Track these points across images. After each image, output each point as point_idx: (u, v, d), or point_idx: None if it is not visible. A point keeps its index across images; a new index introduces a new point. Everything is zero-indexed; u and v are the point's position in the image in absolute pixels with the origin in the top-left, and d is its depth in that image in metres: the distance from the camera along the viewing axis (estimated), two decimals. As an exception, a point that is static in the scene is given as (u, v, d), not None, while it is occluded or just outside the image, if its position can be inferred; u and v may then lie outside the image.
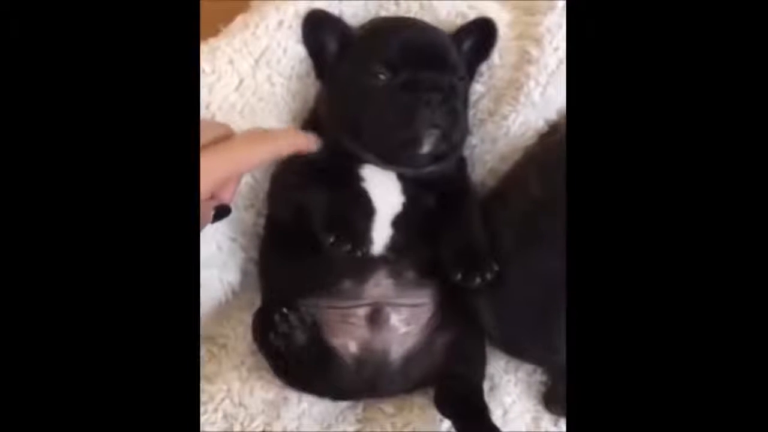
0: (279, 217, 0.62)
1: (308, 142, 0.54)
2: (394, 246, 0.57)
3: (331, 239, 0.52)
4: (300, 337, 0.56)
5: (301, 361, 0.57)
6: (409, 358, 0.58)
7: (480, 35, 0.62)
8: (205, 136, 0.47)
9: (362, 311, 0.57)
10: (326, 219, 0.54)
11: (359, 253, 0.52)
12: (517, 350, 0.60)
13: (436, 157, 0.57)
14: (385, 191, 0.58)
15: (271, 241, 0.63)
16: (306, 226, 0.55)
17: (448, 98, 0.55)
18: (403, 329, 0.58)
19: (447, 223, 0.58)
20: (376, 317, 0.57)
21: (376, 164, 0.58)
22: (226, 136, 0.50)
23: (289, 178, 0.60)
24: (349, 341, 0.58)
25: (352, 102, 0.57)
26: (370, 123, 0.56)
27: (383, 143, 0.56)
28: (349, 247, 0.52)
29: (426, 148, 0.55)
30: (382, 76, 0.56)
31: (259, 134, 0.54)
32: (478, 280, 0.54)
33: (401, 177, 0.59)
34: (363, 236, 0.55)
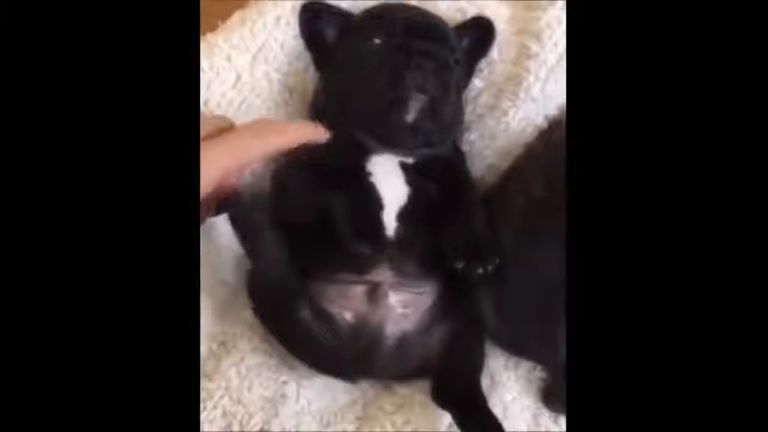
0: (283, 215, 0.61)
1: (317, 133, 0.54)
2: (398, 238, 0.57)
3: (362, 247, 0.55)
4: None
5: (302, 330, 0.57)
6: (405, 340, 0.58)
7: (478, 34, 0.62)
8: (206, 128, 0.46)
9: (361, 288, 0.57)
10: (351, 225, 0.56)
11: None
12: (517, 348, 0.60)
13: (425, 136, 0.57)
14: (391, 184, 0.58)
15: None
16: (314, 224, 0.56)
17: (440, 70, 0.55)
18: (400, 310, 0.57)
19: (449, 215, 0.58)
20: (374, 293, 0.57)
21: (369, 145, 0.58)
22: (229, 127, 0.49)
23: (297, 179, 0.59)
24: (345, 311, 0.57)
25: (347, 75, 0.58)
26: (361, 87, 0.56)
27: (372, 107, 0.56)
28: (369, 251, 0.55)
29: (411, 113, 0.55)
30: (377, 41, 0.56)
31: (265, 124, 0.53)
32: (480, 270, 0.54)
33: (403, 166, 0.59)
34: (384, 239, 0.56)
